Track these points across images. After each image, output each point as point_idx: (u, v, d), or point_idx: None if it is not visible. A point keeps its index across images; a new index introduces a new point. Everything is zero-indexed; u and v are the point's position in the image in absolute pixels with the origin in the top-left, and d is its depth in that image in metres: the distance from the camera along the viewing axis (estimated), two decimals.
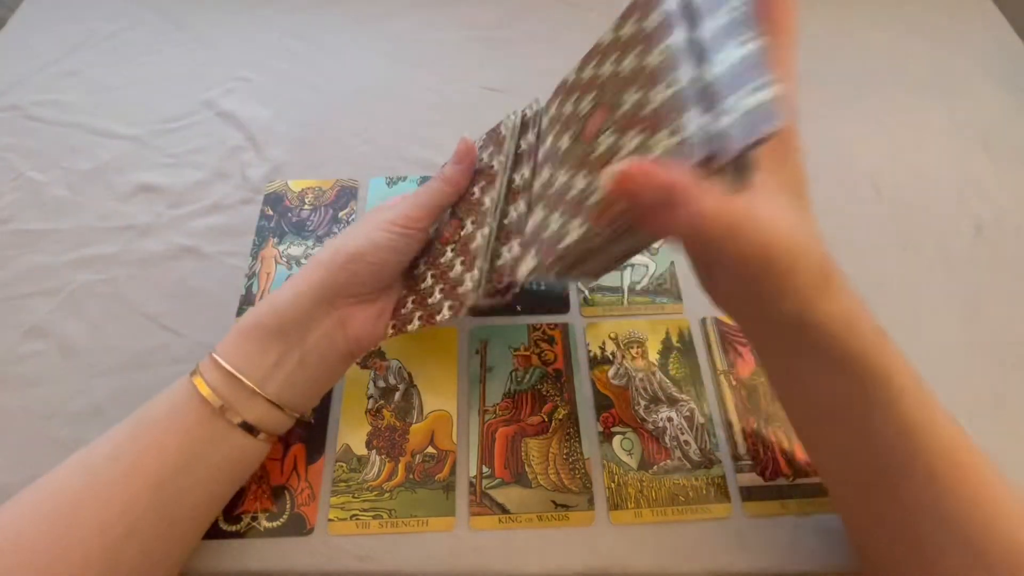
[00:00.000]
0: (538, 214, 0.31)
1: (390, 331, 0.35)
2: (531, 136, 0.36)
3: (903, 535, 0.28)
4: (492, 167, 0.36)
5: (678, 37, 0.24)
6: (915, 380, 0.26)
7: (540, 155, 0.34)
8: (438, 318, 0.33)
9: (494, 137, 0.38)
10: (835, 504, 0.34)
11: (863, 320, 0.26)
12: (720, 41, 0.23)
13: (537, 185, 0.33)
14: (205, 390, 0.30)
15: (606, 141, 0.27)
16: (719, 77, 0.22)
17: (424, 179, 0.49)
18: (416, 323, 0.34)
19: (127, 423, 0.31)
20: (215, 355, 0.31)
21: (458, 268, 0.34)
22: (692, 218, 0.21)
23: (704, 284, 0.29)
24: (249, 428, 0.31)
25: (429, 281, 0.35)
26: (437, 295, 0.34)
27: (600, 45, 0.31)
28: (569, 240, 0.27)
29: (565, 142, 0.31)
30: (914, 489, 0.26)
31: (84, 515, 0.28)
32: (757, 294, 0.26)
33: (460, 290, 0.33)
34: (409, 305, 0.36)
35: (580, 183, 0.28)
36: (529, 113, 0.37)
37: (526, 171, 0.34)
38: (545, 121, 0.35)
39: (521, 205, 0.33)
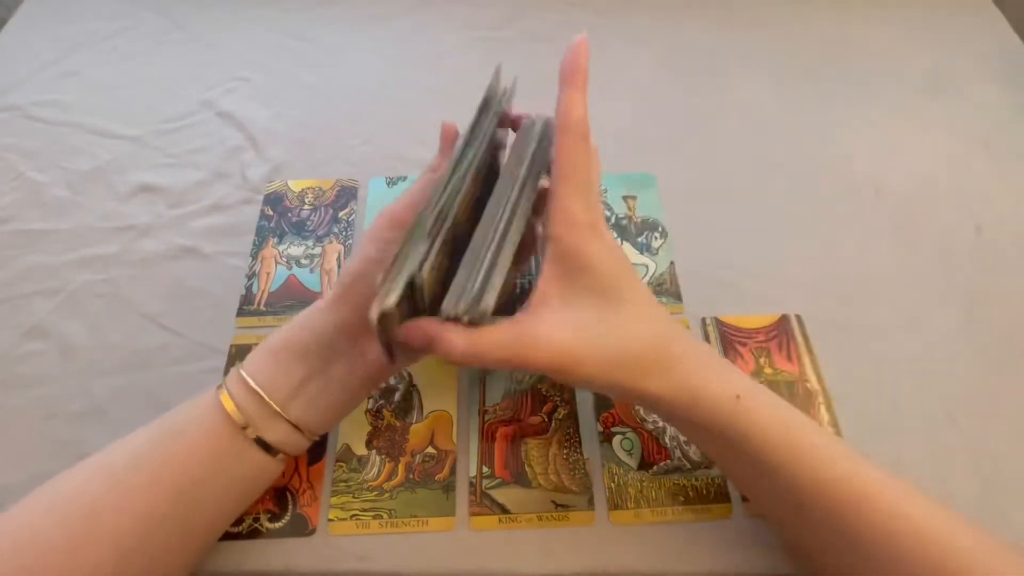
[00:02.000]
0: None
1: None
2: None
3: (821, 553, 0.30)
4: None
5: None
6: (781, 425, 0.28)
7: None
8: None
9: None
10: None
11: (711, 388, 0.28)
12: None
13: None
14: (230, 406, 0.30)
15: None
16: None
17: None
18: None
19: (150, 431, 0.30)
20: (241, 371, 0.31)
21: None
22: (451, 354, 0.26)
23: None
24: (267, 447, 0.31)
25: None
26: None
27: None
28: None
29: None
30: (813, 524, 0.28)
31: (101, 520, 0.28)
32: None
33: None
34: None
35: None
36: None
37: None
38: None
39: None
